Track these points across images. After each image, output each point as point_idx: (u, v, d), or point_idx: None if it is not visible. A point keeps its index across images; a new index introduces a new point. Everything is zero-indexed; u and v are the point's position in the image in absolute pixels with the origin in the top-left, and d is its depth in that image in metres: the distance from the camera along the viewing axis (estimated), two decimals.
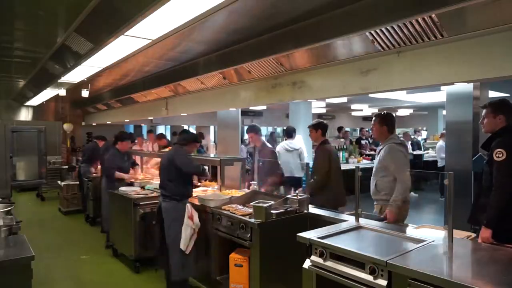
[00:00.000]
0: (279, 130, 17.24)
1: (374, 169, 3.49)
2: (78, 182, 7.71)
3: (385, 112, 3.56)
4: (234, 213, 3.48)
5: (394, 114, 3.60)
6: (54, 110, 11.72)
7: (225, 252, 3.57)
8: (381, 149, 3.50)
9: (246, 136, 8.31)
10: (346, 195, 4.22)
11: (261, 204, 3.27)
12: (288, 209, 3.49)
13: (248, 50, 3.85)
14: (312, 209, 3.61)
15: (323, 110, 15.70)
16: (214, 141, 12.90)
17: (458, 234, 2.71)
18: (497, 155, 2.66)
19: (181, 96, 6.28)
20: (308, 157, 6.50)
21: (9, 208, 2.97)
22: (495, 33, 2.43)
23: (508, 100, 2.89)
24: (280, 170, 4.92)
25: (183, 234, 3.67)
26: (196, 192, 4.76)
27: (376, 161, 3.55)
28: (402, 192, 3.17)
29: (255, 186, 4.39)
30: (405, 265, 2.04)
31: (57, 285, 4.25)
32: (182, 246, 3.66)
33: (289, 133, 6.30)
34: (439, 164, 8.80)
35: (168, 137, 13.91)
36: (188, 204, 3.79)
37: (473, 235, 2.74)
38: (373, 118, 3.57)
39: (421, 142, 12.71)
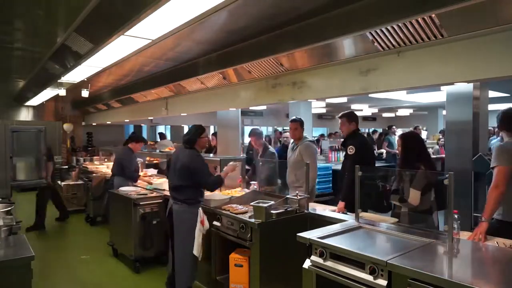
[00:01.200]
0: (279, 129, 17.22)
1: (292, 163, 4.34)
2: (78, 182, 7.72)
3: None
4: (234, 213, 3.48)
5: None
6: (54, 110, 11.72)
7: (225, 252, 3.57)
8: (297, 147, 4.37)
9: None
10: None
11: (261, 204, 3.27)
12: (288, 209, 3.48)
13: (248, 50, 3.85)
14: (312, 209, 3.61)
15: (323, 110, 15.71)
16: None
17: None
18: (349, 150, 3.84)
19: (181, 96, 6.28)
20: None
21: (9, 208, 2.98)
22: (495, 33, 2.43)
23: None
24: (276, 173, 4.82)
25: (196, 240, 3.49)
26: None
27: (292, 156, 4.37)
28: (314, 179, 4.26)
29: (255, 186, 4.39)
30: (405, 265, 2.04)
31: (57, 285, 4.25)
32: (195, 251, 3.49)
33: None
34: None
35: (168, 137, 13.95)
36: (200, 209, 3.61)
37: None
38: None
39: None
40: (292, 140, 4.63)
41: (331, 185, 6.66)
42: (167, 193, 4.76)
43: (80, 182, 7.66)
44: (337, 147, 8.78)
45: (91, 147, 11.79)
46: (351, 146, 3.85)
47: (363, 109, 14.14)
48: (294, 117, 4.56)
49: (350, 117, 4.10)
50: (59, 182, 7.86)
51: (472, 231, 2.78)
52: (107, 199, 5.65)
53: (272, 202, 3.39)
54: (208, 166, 3.76)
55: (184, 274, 3.59)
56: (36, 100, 9.17)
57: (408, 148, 3.23)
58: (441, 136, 10.48)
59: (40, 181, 7.75)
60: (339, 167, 6.78)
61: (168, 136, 15.00)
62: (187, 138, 3.74)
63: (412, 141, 3.30)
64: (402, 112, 15.16)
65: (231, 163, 4.03)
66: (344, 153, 4.21)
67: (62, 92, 6.44)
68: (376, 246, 2.56)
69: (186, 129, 17.73)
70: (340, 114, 4.18)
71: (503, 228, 2.71)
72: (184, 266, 3.58)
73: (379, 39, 2.85)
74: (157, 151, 7.35)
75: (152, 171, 6.88)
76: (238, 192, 4.43)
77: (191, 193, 3.62)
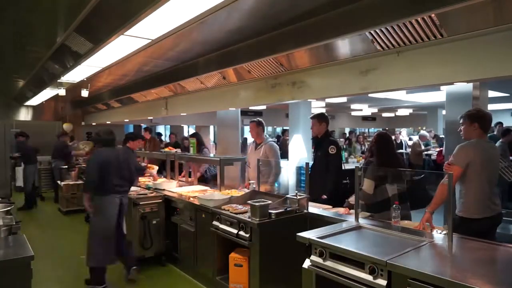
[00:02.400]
0: (278, 130, 17.25)
1: (255, 161, 4.53)
2: (78, 182, 7.71)
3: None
4: (234, 213, 3.49)
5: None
6: (54, 110, 11.73)
7: (225, 252, 3.57)
8: (260, 146, 4.74)
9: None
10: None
11: (255, 203, 3.28)
12: (288, 209, 3.49)
13: (247, 50, 3.85)
14: (312, 209, 3.61)
15: (323, 110, 15.70)
16: (214, 141, 12.90)
17: (411, 224, 3.00)
18: (331, 150, 4.10)
19: (181, 96, 6.29)
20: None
21: (9, 208, 2.98)
22: (495, 33, 2.43)
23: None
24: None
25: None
26: (196, 192, 4.77)
27: (255, 155, 4.68)
28: (278, 175, 4.78)
29: (254, 186, 4.39)
30: (404, 265, 2.04)
31: (57, 285, 4.25)
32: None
33: None
34: None
35: (167, 137, 13.94)
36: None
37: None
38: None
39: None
40: (252, 140, 4.99)
41: None
42: (167, 193, 4.77)
43: (80, 182, 7.66)
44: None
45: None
46: (332, 146, 4.13)
47: (363, 109, 14.14)
48: (253, 119, 4.85)
49: (321, 118, 4.30)
50: (58, 182, 7.86)
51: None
52: None
53: (270, 202, 3.40)
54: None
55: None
56: (36, 100, 9.17)
57: (382, 147, 3.50)
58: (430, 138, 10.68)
59: None
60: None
61: (167, 137, 14.96)
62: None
63: (385, 140, 3.57)
64: (401, 112, 15.16)
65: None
66: (316, 152, 4.38)
67: (62, 92, 6.44)
68: (376, 246, 2.56)
69: (186, 129, 17.77)
70: (311, 115, 4.40)
71: (464, 224, 2.82)
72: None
73: (378, 39, 2.85)
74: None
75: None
76: (238, 192, 4.43)
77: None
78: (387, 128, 18.48)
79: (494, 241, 2.62)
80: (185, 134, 17.97)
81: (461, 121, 3.05)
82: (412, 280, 1.98)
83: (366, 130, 20.36)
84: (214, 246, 3.74)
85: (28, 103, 10.01)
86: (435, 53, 2.79)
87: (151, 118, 10.86)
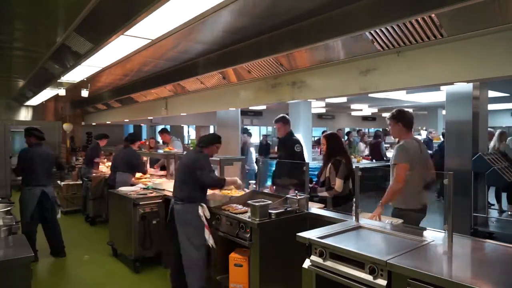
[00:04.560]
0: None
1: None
2: (78, 182, 7.71)
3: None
4: (234, 213, 3.48)
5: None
6: (54, 110, 11.73)
7: (225, 252, 3.57)
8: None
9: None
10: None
11: (255, 203, 3.29)
12: (288, 209, 3.49)
13: (248, 50, 3.85)
14: (312, 209, 3.61)
15: (323, 110, 15.71)
16: None
17: (367, 215, 3.22)
18: (297, 148, 4.51)
19: (181, 96, 6.29)
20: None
21: (9, 208, 2.98)
22: (495, 33, 2.43)
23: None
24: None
25: (206, 234, 3.57)
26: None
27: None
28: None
29: (254, 186, 4.39)
30: (404, 265, 2.04)
31: (57, 285, 4.25)
32: (211, 243, 3.56)
33: None
34: None
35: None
36: (199, 206, 3.64)
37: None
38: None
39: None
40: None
41: None
42: (167, 193, 4.77)
43: (80, 182, 7.66)
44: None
45: None
46: (297, 145, 4.58)
47: (363, 109, 14.14)
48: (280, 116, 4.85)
49: (285, 120, 4.70)
50: (58, 182, 7.86)
51: (472, 230, 2.80)
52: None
53: (270, 202, 3.40)
54: (211, 166, 3.82)
55: (197, 273, 3.58)
56: (35, 100, 9.16)
57: (331, 145, 3.94)
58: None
59: None
60: None
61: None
62: (203, 139, 3.87)
63: (334, 140, 4.00)
64: None
65: (239, 182, 4.20)
66: (281, 151, 4.83)
67: (62, 92, 6.44)
68: (376, 246, 2.56)
69: (186, 129, 17.77)
70: (276, 119, 4.75)
71: (399, 215, 3.11)
72: (194, 266, 3.58)
73: (378, 39, 2.85)
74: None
75: (152, 170, 6.88)
76: (238, 192, 4.43)
77: (192, 192, 3.64)
78: (387, 129, 18.47)
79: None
80: (185, 134, 18.00)
81: (388, 122, 3.39)
82: (412, 280, 1.98)
83: (366, 130, 20.36)
84: (214, 246, 3.73)
85: (28, 103, 10.00)
86: (435, 53, 2.79)
87: (151, 118, 10.87)
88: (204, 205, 3.65)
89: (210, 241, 3.54)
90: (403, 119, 3.29)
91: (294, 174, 4.32)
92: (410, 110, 14.74)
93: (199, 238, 3.55)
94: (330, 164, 3.81)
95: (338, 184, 3.68)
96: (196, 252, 3.57)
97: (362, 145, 11.19)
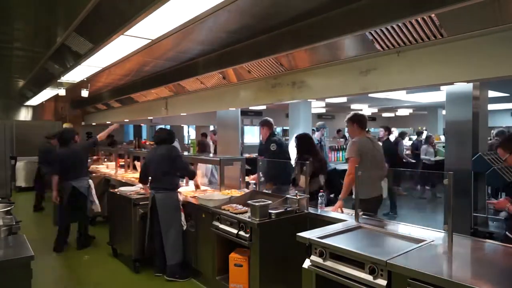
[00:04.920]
0: (278, 129, 17.24)
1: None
2: None
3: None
4: (234, 213, 3.49)
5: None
6: (54, 110, 11.73)
7: (225, 252, 3.58)
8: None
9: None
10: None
11: (255, 203, 3.29)
12: (288, 209, 3.49)
13: (247, 50, 3.85)
14: (312, 209, 3.61)
15: (323, 110, 15.71)
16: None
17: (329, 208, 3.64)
18: (272, 147, 5.09)
19: (181, 96, 6.28)
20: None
21: (9, 208, 2.97)
22: (495, 33, 2.43)
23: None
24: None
25: (182, 217, 4.21)
26: (196, 192, 4.77)
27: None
28: None
29: (254, 186, 4.39)
30: (404, 265, 2.04)
31: (57, 285, 4.25)
32: (184, 225, 4.23)
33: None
34: None
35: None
36: (178, 193, 4.34)
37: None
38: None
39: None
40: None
41: None
42: None
43: None
44: (336, 147, 8.83)
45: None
46: (272, 144, 5.15)
47: (363, 109, 14.13)
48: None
49: (263, 123, 5.46)
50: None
51: (472, 230, 2.80)
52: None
53: (270, 202, 3.40)
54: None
55: (177, 251, 4.16)
56: (35, 100, 9.17)
57: (300, 145, 4.38)
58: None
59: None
60: (340, 166, 7.35)
61: None
62: (164, 137, 4.43)
63: (304, 140, 4.43)
64: (402, 112, 15.16)
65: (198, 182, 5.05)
66: (264, 154, 5.30)
67: (62, 92, 6.44)
68: (376, 246, 2.56)
69: (186, 129, 17.76)
70: (260, 123, 5.46)
71: (361, 204, 3.27)
72: (174, 245, 4.14)
73: (379, 39, 2.85)
74: None
75: None
76: (238, 192, 4.44)
77: (171, 181, 4.25)
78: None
79: (377, 218, 3.32)
80: (185, 134, 17.99)
81: (346, 124, 3.94)
82: (412, 280, 1.98)
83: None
84: (214, 246, 3.74)
85: (28, 103, 10.01)
86: (435, 53, 2.78)
87: (151, 118, 10.86)
88: (181, 191, 4.48)
89: (184, 222, 4.20)
90: (358, 121, 3.86)
91: (274, 172, 4.95)
92: (410, 110, 14.68)
93: (177, 220, 4.16)
94: (298, 162, 4.27)
95: (301, 180, 4.04)
96: (175, 233, 4.15)
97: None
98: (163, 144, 4.40)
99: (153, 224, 4.23)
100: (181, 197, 4.32)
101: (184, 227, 4.21)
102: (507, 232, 2.96)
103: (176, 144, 7.02)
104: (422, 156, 9.39)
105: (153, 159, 4.39)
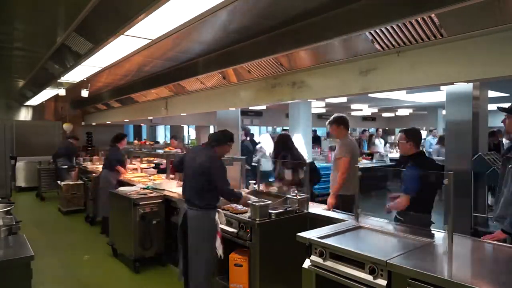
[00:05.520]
0: (278, 130, 17.25)
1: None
2: (78, 182, 7.72)
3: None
4: (234, 213, 3.48)
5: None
6: (54, 110, 11.73)
7: (225, 252, 3.57)
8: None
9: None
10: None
11: (255, 203, 3.28)
12: (288, 209, 3.49)
13: (247, 50, 3.85)
14: (312, 209, 3.61)
15: (323, 110, 15.69)
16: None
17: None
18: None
19: (181, 96, 6.28)
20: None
21: (9, 208, 2.97)
22: (495, 33, 2.43)
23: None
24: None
25: (217, 243, 3.34)
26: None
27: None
28: None
29: (255, 186, 4.39)
30: (404, 265, 2.04)
31: (57, 285, 4.25)
32: (219, 252, 3.34)
33: None
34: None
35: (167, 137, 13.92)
36: (216, 214, 3.40)
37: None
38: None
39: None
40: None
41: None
42: (167, 193, 4.77)
43: (80, 182, 7.66)
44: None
45: (91, 147, 11.79)
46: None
47: (363, 109, 14.12)
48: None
49: (245, 130, 6.24)
50: (58, 182, 7.86)
51: (472, 230, 2.80)
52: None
53: (270, 202, 3.40)
54: (226, 172, 3.48)
55: (203, 280, 3.35)
56: (35, 100, 9.17)
57: (278, 144, 4.89)
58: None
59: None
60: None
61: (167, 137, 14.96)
62: (216, 137, 3.56)
63: (282, 139, 4.93)
64: (401, 112, 15.14)
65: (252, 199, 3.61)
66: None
67: (62, 92, 6.44)
68: (376, 246, 2.56)
69: (186, 129, 17.75)
70: (242, 130, 6.04)
71: (345, 200, 3.67)
72: (200, 272, 3.33)
73: (378, 39, 2.85)
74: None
75: (152, 171, 6.88)
76: None
77: (209, 198, 3.36)
78: (387, 128, 18.49)
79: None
80: (185, 134, 17.99)
81: (330, 126, 4.07)
82: (412, 280, 1.98)
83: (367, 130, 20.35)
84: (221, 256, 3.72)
85: (28, 103, 10.00)
86: (435, 53, 2.78)
87: (151, 118, 10.87)
88: (221, 211, 3.44)
89: (220, 251, 3.32)
90: (344, 123, 4.02)
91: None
92: (410, 110, 14.68)
93: (209, 247, 3.30)
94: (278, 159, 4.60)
95: (287, 173, 4.42)
96: (204, 266, 3.31)
97: (378, 142, 11.29)
98: (208, 147, 3.51)
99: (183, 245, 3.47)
100: (219, 218, 3.39)
101: (219, 255, 3.35)
102: None
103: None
104: (435, 157, 9.20)
105: (189, 165, 3.50)
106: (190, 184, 3.41)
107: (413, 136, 3.27)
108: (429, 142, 10.85)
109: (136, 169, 7.10)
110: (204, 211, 3.32)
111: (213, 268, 3.41)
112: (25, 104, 10.44)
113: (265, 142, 7.61)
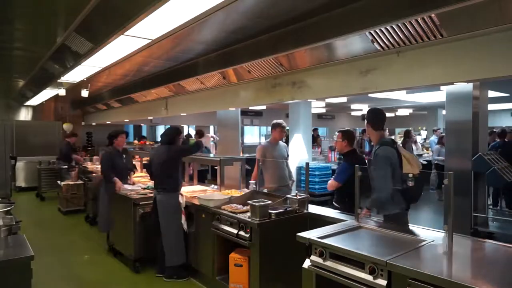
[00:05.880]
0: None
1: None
2: (78, 182, 7.72)
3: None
4: (234, 213, 3.49)
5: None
6: (54, 110, 11.73)
7: (225, 252, 3.58)
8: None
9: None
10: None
11: (255, 203, 3.29)
12: (288, 209, 3.49)
13: (247, 50, 3.85)
14: (312, 209, 3.61)
15: (323, 110, 15.72)
16: (214, 141, 12.87)
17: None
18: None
19: (181, 96, 6.28)
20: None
21: (9, 208, 2.97)
22: (495, 33, 2.43)
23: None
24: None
25: (182, 220, 4.11)
26: (196, 192, 4.77)
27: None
28: None
29: (254, 186, 4.39)
30: (404, 265, 2.04)
31: (57, 285, 4.25)
32: (185, 227, 4.13)
33: None
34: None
35: None
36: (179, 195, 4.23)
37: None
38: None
39: (421, 141, 12.71)
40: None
41: None
42: None
43: (80, 182, 7.66)
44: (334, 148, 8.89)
45: (91, 147, 11.79)
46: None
47: (363, 109, 14.13)
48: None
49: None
50: (58, 182, 7.87)
51: (472, 230, 2.79)
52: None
53: (269, 202, 3.40)
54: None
55: (176, 254, 4.08)
56: (35, 100, 9.17)
57: None
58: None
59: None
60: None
61: None
62: (167, 138, 4.38)
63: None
64: (401, 112, 15.16)
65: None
66: None
67: (62, 92, 6.44)
68: (376, 246, 2.56)
69: (186, 129, 17.75)
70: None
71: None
72: (173, 247, 4.08)
73: (378, 39, 2.85)
74: None
75: None
76: (238, 192, 4.43)
77: (174, 182, 4.20)
78: (387, 128, 18.46)
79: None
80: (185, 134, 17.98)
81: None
82: (412, 280, 1.98)
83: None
84: (214, 246, 3.74)
85: (28, 103, 10.01)
86: (435, 53, 2.78)
87: (151, 118, 10.87)
88: (183, 194, 4.31)
89: (185, 226, 4.11)
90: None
91: None
92: (410, 110, 14.71)
93: (176, 223, 4.08)
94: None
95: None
96: (174, 235, 4.08)
97: None
98: (165, 144, 4.37)
99: (155, 224, 4.20)
100: (182, 199, 4.20)
101: (186, 230, 4.12)
102: None
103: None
104: (435, 157, 9.08)
105: (154, 159, 4.39)
106: (160, 175, 4.26)
107: (347, 136, 3.83)
108: (433, 142, 10.83)
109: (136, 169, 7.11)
110: (170, 194, 4.16)
111: (182, 239, 4.12)
112: (25, 104, 10.45)
113: None
